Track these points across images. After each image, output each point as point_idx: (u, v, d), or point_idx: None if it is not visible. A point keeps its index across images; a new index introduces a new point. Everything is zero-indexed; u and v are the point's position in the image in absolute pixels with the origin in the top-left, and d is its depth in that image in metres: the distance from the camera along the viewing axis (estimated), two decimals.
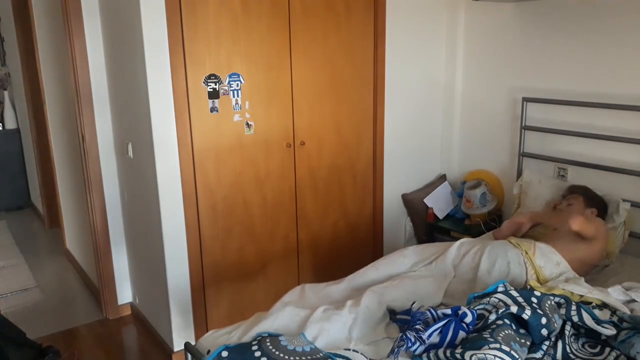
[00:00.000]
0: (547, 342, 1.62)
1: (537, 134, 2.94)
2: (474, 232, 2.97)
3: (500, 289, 1.77)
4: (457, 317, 1.65)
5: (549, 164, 2.90)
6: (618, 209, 2.47)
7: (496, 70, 3.11)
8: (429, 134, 3.37)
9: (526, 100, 2.93)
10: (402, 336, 1.61)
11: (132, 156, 2.64)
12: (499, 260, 2.09)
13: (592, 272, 2.37)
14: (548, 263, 2.09)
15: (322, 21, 2.71)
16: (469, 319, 1.63)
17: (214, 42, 2.38)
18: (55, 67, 3.31)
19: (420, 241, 3.29)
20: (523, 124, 2.96)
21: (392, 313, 1.89)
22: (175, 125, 2.36)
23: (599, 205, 2.47)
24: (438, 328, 1.62)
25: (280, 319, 1.79)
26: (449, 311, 1.67)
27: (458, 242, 2.26)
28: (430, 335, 1.61)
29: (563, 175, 2.84)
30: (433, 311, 1.71)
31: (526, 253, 2.10)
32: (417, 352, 1.59)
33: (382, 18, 2.93)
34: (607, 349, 1.61)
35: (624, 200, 2.50)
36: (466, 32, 3.23)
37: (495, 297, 1.71)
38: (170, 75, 2.30)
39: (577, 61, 2.72)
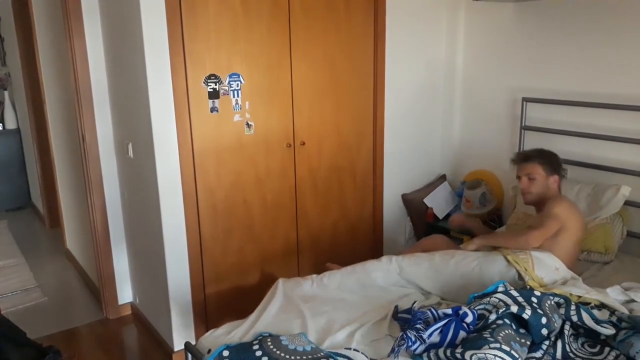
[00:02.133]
0: (546, 342, 1.62)
1: (537, 134, 2.94)
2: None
3: (501, 288, 1.77)
4: (457, 317, 1.65)
5: None
6: (617, 194, 2.46)
7: (496, 70, 3.11)
8: (429, 134, 3.37)
9: (526, 100, 2.93)
10: (402, 335, 1.61)
11: (132, 156, 2.64)
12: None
13: (592, 268, 2.38)
14: (548, 272, 2.01)
15: (322, 21, 2.71)
16: (469, 318, 1.64)
17: (214, 42, 2.38)
18: (55, 67, 3.31)
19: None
20: (523, 124, 2.96)
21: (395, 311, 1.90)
22: (175, 126, 2.36)
23: (558, 167, 2.31)
24: (439, 328, 1.62)
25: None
26: (449, 311, 1.67)
27: (453, 261, 2.11)
28: (430, 335, 1.61)
29: (563, 175, 2.84)
30: (434, 311, 1.71)
31: (525, 270, 1.99)
32: (418, 351, 1.59)
33: (382, 18, 2.93)
34: (607, 349, 1.61)
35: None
36: (466, 32, 3.23)
37: (495, 297, 1.72)
38: (170, 76, 2.30)
39: (577, 61, 2.72)
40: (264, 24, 2.51)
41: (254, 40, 2.50)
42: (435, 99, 3.34)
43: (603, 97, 2.63)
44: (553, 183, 2.27)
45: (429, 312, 1.71)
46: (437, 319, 1.67)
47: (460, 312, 1.65)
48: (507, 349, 1.48)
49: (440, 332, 1.62)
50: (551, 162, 2.30)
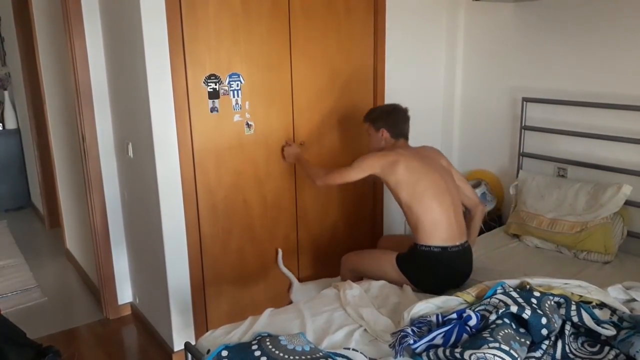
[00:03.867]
0: (546, 342, 1.62)
1: (536, 134, 2.94)
2: None
3: (500, 290, 1.77)
4: (461, 319, 1.64)
5: (548, 163, 2.89)
6: (618, 193, 2.45)
7: (496, 70, 3.11)
8: (429, 134, 3.36)
9: (526, 100, 2.92)
10: (403, 334, 1.61)
11: (132, 156, 2.63)
12: None
13: (592, 267, 2.38)
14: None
15: (322, 21, 2.70)
16: (473, 321, 1.63)
17: (214, 42, 2.38)
18: (55, 67, 3.31)
19: None
20: (523, 124, 2.96)
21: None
22: (175, 125, 2.35)
23: (381, 121, 2.40)
24: (442, 332, 1.61)
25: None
26: (454, 315, 1.66)
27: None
28: (433, 339, 1.60)
29: (563, 175, 2.84)
30: (439, 316, 1.70)
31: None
32: (418, 350, 1.58)
33: (382, 18, 2.93)
34: (607, 348, 1.61)
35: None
36: (466, 32, 3.23)
37: (495, 298, 1.71)
38: (170, 75, 2.29)
39: (576, 61, 2.72)
40: (264, 25, 2.51)
41: (254, 40, 2.49)
42: (435, 98, 3.34)
43: (603, 96, 2.63)
44: (382, 138, 2.39)
45: (433, 319, 1.70)
46: (440, 325, 1.66)
47: (464, 314, 1.64)
48: (507, 348, 1.47)
49: (443, 336, 1.61)
50: (373, 118, 2.42)
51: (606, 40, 2.59)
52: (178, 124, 2.36)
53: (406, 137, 2.43)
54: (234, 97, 2.49)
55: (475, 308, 1.69)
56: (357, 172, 2.28)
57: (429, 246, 2.16)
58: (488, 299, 1.72)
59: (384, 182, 2.28)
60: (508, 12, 2.99)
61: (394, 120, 2.40)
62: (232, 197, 2.58)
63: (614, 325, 1.66)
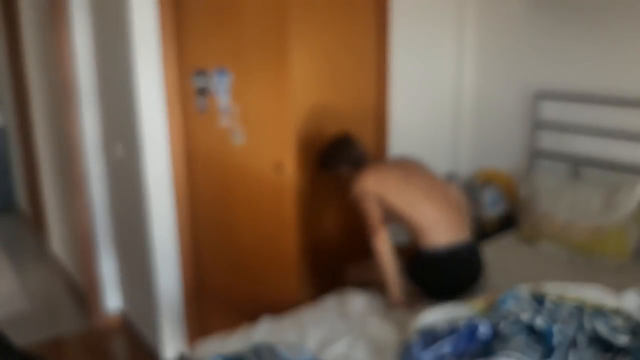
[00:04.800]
0: (559, 350, 1.57)
1: (551, 132, 2.85)
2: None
3: (511, 298, 1.73)
4: (470, 328, 1.60)
5: (565, 164, 2.81)
6: (632, 193, 2.38)
7: (508, 63, 3.01)
8: (437, 131, 3.26)
9: (541, 96, 2.85)
10: (410, 344, 1.56)
11: (120, 155, 2.58)
12: None
13: (605, 272, 2.32)
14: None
15: (322, 14, 2.62)
16: (482, 330, 1.59)
17: (203, 37, 2.27)
18: (42, 62, 3.26)
19: None
20: (536, 122, 2.87)
21: None
22: (164, 124, 2.30)
23: (332, 159, 2.32)
24: (450, 341, 1.57)
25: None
26: (463, 324, 1.62)
27: None
28: (441, 348, 1.57)
29: (577, 175, 2.76)
30: (448, 325, 1.65)
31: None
32: None
33: (387, 9, 2.86)
34: (621, 356, 1.56)
35: None
36: (476, 23, 3.14)
37: (506, 306, 1.67)
38: (159, 72, 2.25)
39: (597, 54, 2.60)
40: (257, 19, 2.40)
41: (245, 35, 2.38)
42: (444, 93, 3.24)
43: (625, 93, 2.51)
44: (349, 175, 2.29)
45: (440, 327, 1.65)
46: (448, 334, 1.61)
47: (474, 323, 1.61)
48: (518, 357, 1.45)
49: (452, 345, 1.57)
50: (330, 164, 2.35)
51: (631, 30, 2.46)
52: (167, 123, 2.29)
53: (367, 160, 2.32)
54: (220, 96, 2.29)
55: (485, 316, 1.66)
56: (368, 202, 2.13)
57: (434, 248, 2.10)
58: (499, 307, 1.68)
59: (383, 200, 2.13)
60: (520, 2, 2.91)
61: (346, 153, 2.30)
62: (223, 198, 2.45)
63: (630, 332, 1.61)
